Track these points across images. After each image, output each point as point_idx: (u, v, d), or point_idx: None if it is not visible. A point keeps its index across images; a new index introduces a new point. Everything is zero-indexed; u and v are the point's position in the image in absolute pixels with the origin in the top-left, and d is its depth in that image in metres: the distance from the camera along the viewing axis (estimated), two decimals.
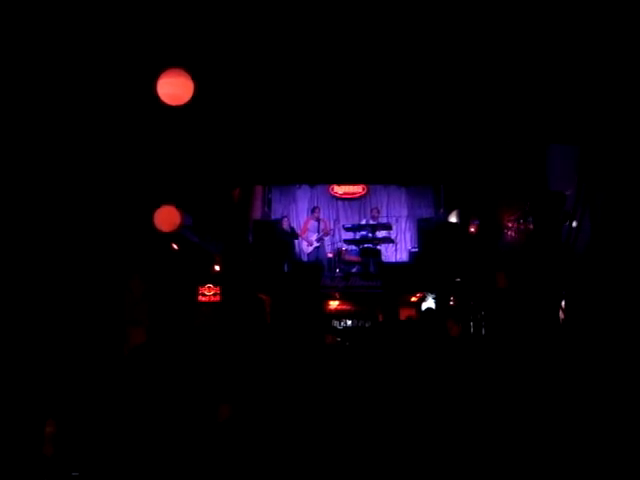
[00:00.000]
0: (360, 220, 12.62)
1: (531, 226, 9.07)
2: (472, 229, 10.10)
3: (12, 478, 3.02)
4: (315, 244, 12.03)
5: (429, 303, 10.48)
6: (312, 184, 13.06)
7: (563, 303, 6.79)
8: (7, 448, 3.14)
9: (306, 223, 12.44)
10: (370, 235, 11.55)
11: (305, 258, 12.33)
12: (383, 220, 12.10)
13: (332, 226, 12.48)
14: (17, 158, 4.43)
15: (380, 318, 10.50)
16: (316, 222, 12.17)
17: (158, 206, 6.66)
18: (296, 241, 12.22)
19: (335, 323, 10.94)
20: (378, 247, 11.68)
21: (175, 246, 8.21)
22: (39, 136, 4.67)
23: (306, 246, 12.20)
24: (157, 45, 4.57)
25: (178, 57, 4.32)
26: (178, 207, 6.80)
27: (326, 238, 12.10)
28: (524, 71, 5.57)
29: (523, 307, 7.20)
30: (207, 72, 4.96)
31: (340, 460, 3.65)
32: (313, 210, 12.45)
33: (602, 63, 5.21)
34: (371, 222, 11.93)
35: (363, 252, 11.51)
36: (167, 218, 6.81)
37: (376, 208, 12.39)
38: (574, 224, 7.45)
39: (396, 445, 3.82)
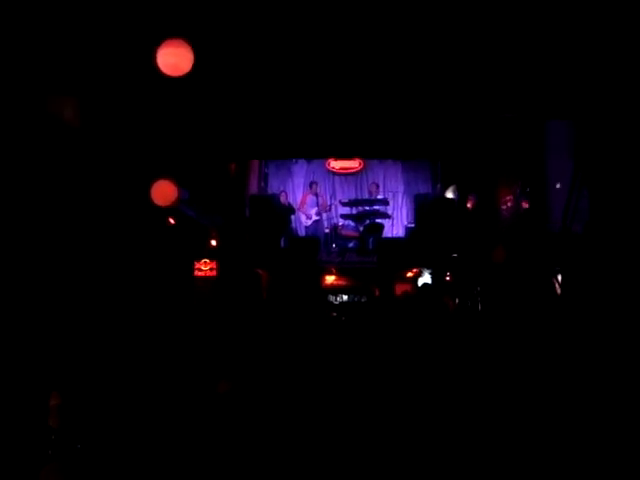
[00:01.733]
0: (357, 195, 12.56)
1: (527, 202, 9.11)
2: (469, 204, 10.10)
3: (17, 450, 3.05)
4: (315, 217, 11.95)
5: (425, 279, 10.51)
6: (309, 158, 12.95)
7: (560, 278, 6.84)
8: (12, 419, 3.16)
9: (304, 197, 12.32)
10: (368, 208, 11.50)
11: (303, 232, 12.28)
12: (380, 196, 12.06)
13: (329, 201, 12.38)
14: (10, 134, 4.37)
15: (376, 293, 10.54)
16: (314, 197, 12.07)
17: (155, 180, 6.62)
18: (293, 216, 12.16)
19: (331, 298, 10.96)
20: (379, 221, 11.64)
21: (172, 220, 8.18)
22: (35, 110, 4.61)
23: (305, 219, 12.11)
24: (157, 15, 4.50)
25: (177, 28, 4.25)
26: (175, 181, 6.75)
27: (325, 214, 12.01)
28: (521, 46, 5.54)
29: (519, 282, 7.24)
30: (205, 45, 4.90)
31: (335, 435, 3.69)
32: (311, 185, 12.27)
33: (599, 41, 5.18)
34: (367, 197, 11.88)
35: (367, 229, 11.42)
36: (164, 192, 6.77)
37: (374, 183, 12.32)
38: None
39: (394, 422, 3.86)
